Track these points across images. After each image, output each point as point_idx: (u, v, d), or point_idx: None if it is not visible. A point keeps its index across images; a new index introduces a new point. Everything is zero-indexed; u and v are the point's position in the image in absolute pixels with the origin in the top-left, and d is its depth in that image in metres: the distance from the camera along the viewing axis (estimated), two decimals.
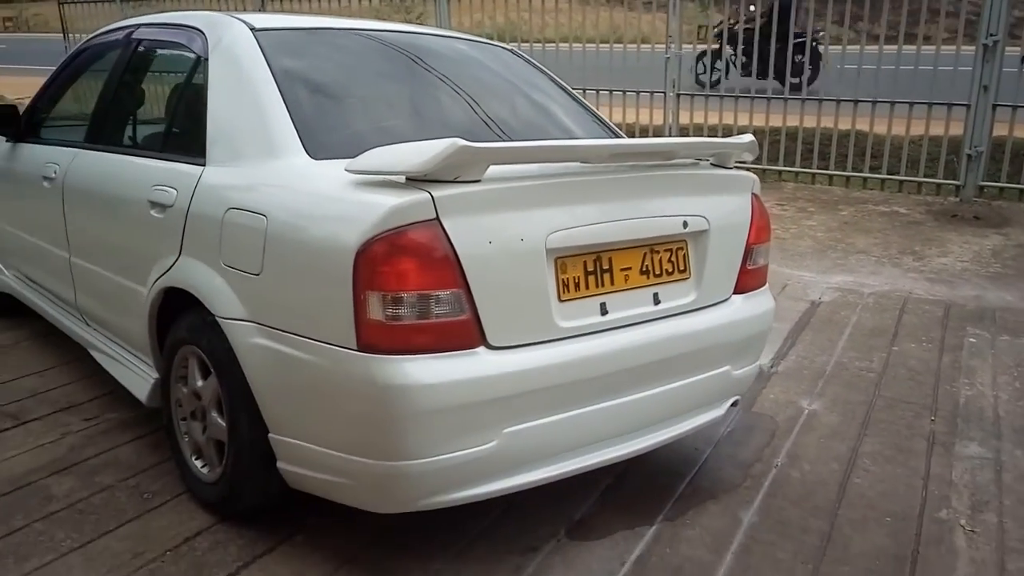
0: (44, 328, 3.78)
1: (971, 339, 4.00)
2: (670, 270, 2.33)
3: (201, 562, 2.20)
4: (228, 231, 2.17)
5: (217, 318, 2.18)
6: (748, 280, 2.58)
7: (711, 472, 2.77)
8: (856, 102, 6.93)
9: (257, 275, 2.08)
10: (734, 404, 2.65)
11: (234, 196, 2.19)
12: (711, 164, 2.53)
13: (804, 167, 7.29)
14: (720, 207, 2.44)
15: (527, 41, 8.19)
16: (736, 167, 2.59)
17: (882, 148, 6.93)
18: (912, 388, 3.44)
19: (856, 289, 4.76)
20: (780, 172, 7.42)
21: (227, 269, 2.17)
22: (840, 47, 7.14)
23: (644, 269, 2.26)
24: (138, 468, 2.68)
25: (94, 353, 3.07)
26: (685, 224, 2.33)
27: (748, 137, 2.55)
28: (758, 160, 7.40)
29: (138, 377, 2.75)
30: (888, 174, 6.97)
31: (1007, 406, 3.29)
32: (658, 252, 2.29)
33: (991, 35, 6.27)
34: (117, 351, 2.92)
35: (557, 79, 3.20)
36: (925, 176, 6.84)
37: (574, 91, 3.19)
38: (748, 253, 2.56)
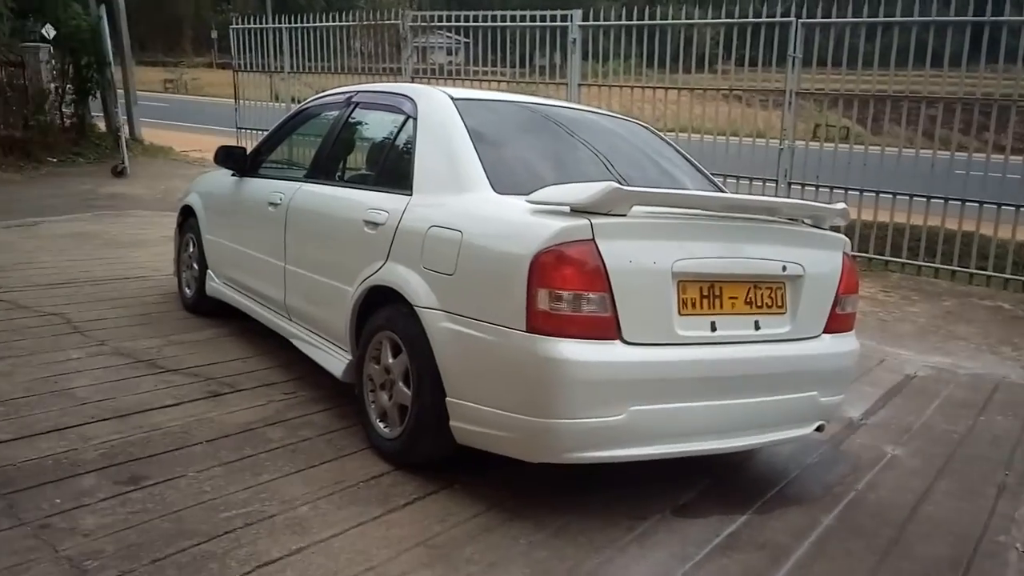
0: (242, 326, 4.62)
1: None
2: (769, 304, 2.90)
3: (387, 492, 2.86)
4: (429, 243, 2.89)
5: (415, 307, 2.88)
6: (837, 323, 3.12)
7: (798, 485, 3.25)
8: (963, 202, 7.29)
9: (451, 275, 2.78)
10: (819, 428, 3.15)
11: (436, 217, 2.92)
12: (810, 224, 3.11)
13: (911, 259, 7.65)
14: (814, 258, 3.01)
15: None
16: (831, 230, 3.16)
17: (989, 247, 7.25)
18: (991, 448, 3.81)
19: (951, 369, 5.10)
20: (887, 262, 7.79)
21: (426, 271, 2.88)
22: (965, 154, 7.52)
23: (748, 300, 2.85)
24: (330, 429, 3.38)
25: (295, 342, 3.83)
26: (784, 268, 2.91)
27: (841, 205, 3.14)
28: (865, 249, 7.82)
29: (334, 359, 3.47)
30: (995, 272, 7.25)
31: None
32: (760, 288, 2.88)
33: None
34: (316, 339, 3.66)
35: (678, 147, 3.90)
36: None
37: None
38: (838, 300, 3.11)
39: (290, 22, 11.99)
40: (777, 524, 2.88)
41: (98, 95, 13.52)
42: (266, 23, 12.69)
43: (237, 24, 12.83)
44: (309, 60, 11.96)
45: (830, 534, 2.84)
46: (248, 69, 12.78)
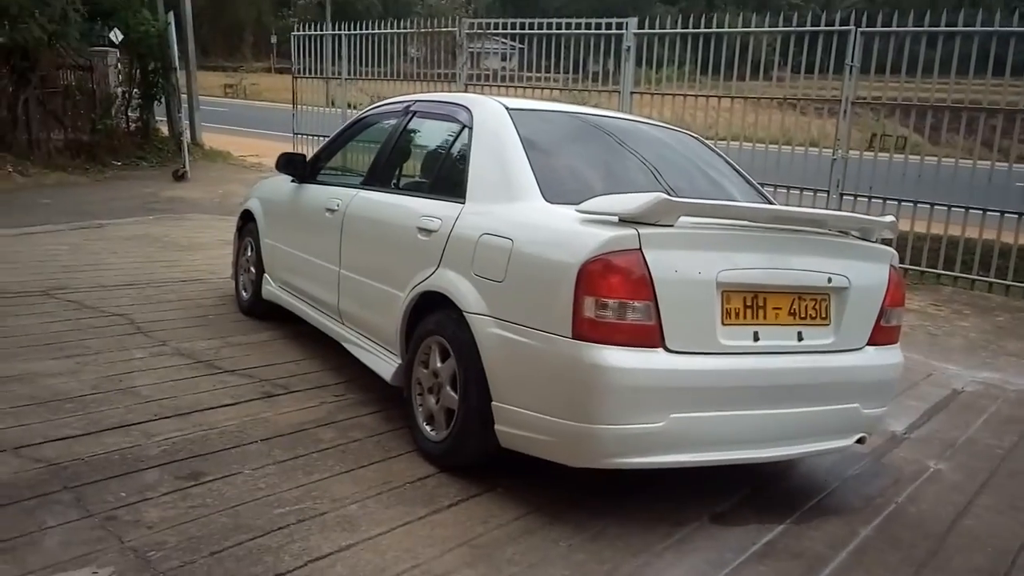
0: (296, 330, 4.78)
1: None
2: (813, 315, 2.94)
3: (432, 494, 2.96)
4: (481, 250, 2.98)
5: (464, 313, 2.98)
6: (882, 335, 3.14)
7: (837, 497, 3.27)
8: (1020, 215, 7.17)
9: (500, 282, 2.87)
10: (860, 440, 3.17)
11: (488, 225, 3.01)
12: (857, 236, 3.13)
13: (964, 273, 7.54)
14: (860, 271, 3.03)
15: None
16: (879, 243, 3.18)
17: None
18: None
19: (1000, 385, 5.04)
20: (938, 276, 7.69)
21: (476, 277, 2.98)
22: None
23: (792, 311, 2.89)
24: (378, 431, 3.50)
25: (347, 345, 3.96)
26: (829, 280, 2.94)
27: (889, 218, 3.15)
28: (917, 262, 7.72)
29: (384, 363, 3.59)
30: None
31: None
32: (804, 299, 2.91)
33: None
34: (367, 343, 3.79)
35: (727, 158, 3.93)
36: None
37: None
38: (883, 313, 3.12)
39: (349, 28, 12.24)
40: (815, 534, 2.92)
41: (162, 100, 13.96)
42: (325, 30, 12.97)
43: (298, 31, 13.11)
44: (365, 66, 12.20)
45: (868, 545, 2.86)
46: (307, 75, 13.06)
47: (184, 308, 5.27)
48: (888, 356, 3.17)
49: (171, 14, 13.25)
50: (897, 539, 2.94)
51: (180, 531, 2.56)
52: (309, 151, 12.28)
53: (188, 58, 14.58)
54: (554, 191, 3.01)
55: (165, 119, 14.48)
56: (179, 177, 12.19)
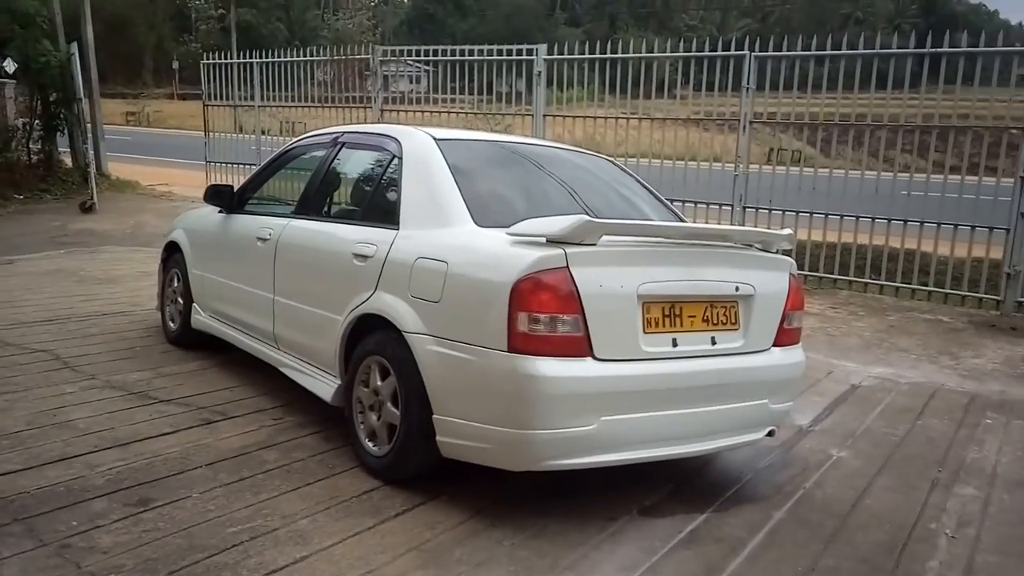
0: (227, 358, 4.85)
1: (988, 420, 4.69)
2: (724, 321, 3.22)
3: (378, 505, 3.11)
4: (416, 273, 3.17)
5: (403, 333, 3.15)
6: (785, 337, 3.46)
7: (752, 487, 3.56)
8: (905, 222, 7.76)
9: (437, 302, 3.06)
10: (770, 433, 3.48)
11: (422, 249, 3.20)
12: (759, 248, 3.45)
13: (857, 277, 8.09)
14: (764, 279, 3.34)
15: (609, 156, 9.26)
16: (779, 253, 3.50)
17: (929, 264, 7.71)
18: (927, 449, 4.16)
19: (893, 379, 5.48)
20: (835, 280, 8.22)
21: (413, 299, 3.15)
22: (907, 175, 7.99)
23: (705, 318, 3.17)
24: (320, 450, 3.62)
25: (284, 369, 4.06)
26: (736, 288, 3.24)
27: (787, 231, 3.49)
28: (815, 268, 8.25)
29: (323, 384, 3.72)
30: (935, 287, 7.71)
31: (1005, 466, 3.97)
32: (716, 307, 3.20)
33: None
34: (305, 366, 3.91)
35: (640, 179, 4.23)
36: (968, 290, 7.56)
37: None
38: (785, 316, 3.44)
39: (261, 56, 12.23)
40: (733, 520, 3.19)
41: (65, 131, 13.62)
42: (231, 56, 12.93)
43: (207, 59, 13.02)
44: (275, 91, 12.20)
45: (780, 527, 3.15)
46: (218, 101, 12.97)
47: (109, 341, 5.26)
48: (792, 356, 3.49)
49: (74, 44, 12.97)
50: (806, 520, 3.23)
51: (136, 554, 2.65)
52: (222, 179, 12.26)
53: (92, 87, 14.27)
54: (483, 215, 3.22)
55: (68, 150, 14.14)
56: (87, 209, 11.92)
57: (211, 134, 13.08)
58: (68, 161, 14.12)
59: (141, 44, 58.22)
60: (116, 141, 18.90)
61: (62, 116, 13.32)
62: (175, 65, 55.50)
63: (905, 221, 7.78)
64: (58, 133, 13.63)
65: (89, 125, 13.44)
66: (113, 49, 44.20)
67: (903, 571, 2.88)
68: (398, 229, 3.39)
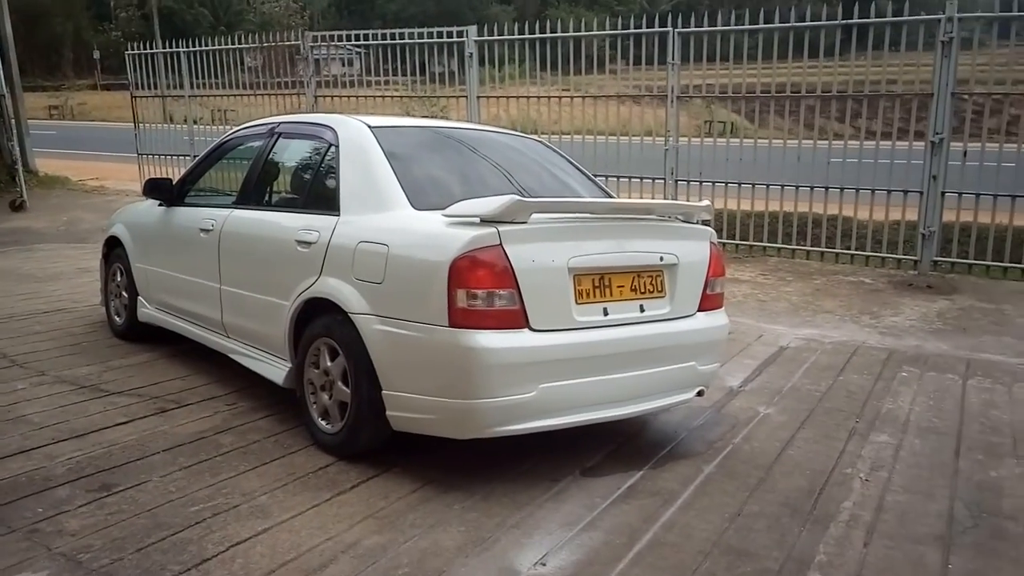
0: (174, 349, 4.93)
1: (903, 373, 5.03)
2: (651, 290, 3.45)
3: (333, 479, 3.28)
4: (359, 256, 3.32)
5: (349, 314, 3.30)
6: (708, 302, 3.70)
7: (685, 445, 3.82)
8: (827, 188, 8.13)
9: (380, 283, 3.21)
10: (699, 393, 3.73)
11: (363, 234, 3.35)
12: (681, 220, 3.68)
13: (785, 244, 8.45)
14: (686, 249, 3.57)
15: (544, 133, 9.47)
16: (700, 224, 3.73)
17: (851, 228, 8.10)
18: (847, 402, 4.47)
19: (818, 339, 5.80)
20: (765, 248, 8.58)
21: (357, 281, 3.31)
22: (827, 142, 8.33)
23: (633, 287, 3.39)
24: (275, 432, 3.76)
25: (235, 356, 4.18)
26: (661, 259, 3.46)
27: (706, 202, 3.73)
28: (745, 237, 8.59)
29: (274, 368, 3.85)
30: (856, 250, 8.12)
31: (918, 415, 4.30)
32: (642, 276, 3.42)
33: (937, 133, 7.49)
34: (255, 352, 4.03)
35: (570, 159, 4.43)
36: (888, 252, 7.98)
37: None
38: (707, 283, 3.68)
39: (188, 44, 12.07)
40: (668, 475, 3.43)
41: None
42: (155, 44, 12.73)
43: (132, 49, 12.79)
44: (204, 79, 12.07)
45: (711, 479, 3.41)
46: (145, 92, 12.76)
47: (55, 338, 5.28)
48: (716, 319, 3.74)
49: None
50: (734, 472, 3.49)
51: (103, 535, 2.77)
52: (155, 171, 12.11)
53: (13, 82, 13.89)
54: (420, 199, 3.38)
55: None
56: (17, 207, 11.68)
57: (141, 125, 12.88)
58: None
59: (59, 34, 56.38)
60: (41, 136, 18.38)
61: None
62: (96, 55, 53.90)
63: (827, 188, 8.15)
64: None
65: (13, 121, 13.11)
66: (30, 40, 42.71)
67: (820, 512, 3.15)
68: (339, 215, 3.53)
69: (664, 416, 4.11)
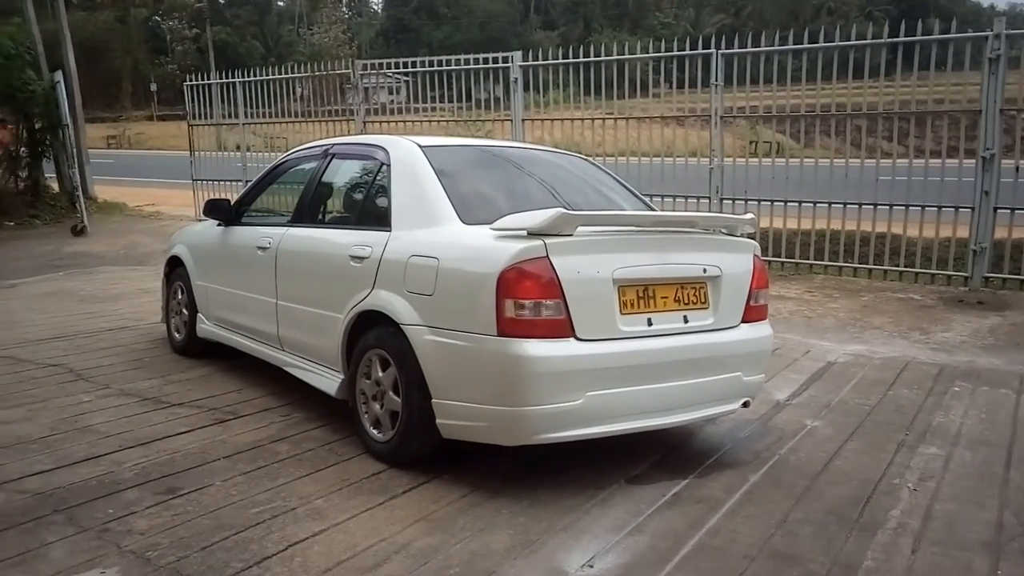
0: (231, 364, 5.11)
1: (956, 388, 4.98)
2: (695, 301, 3.51)
3: (386, 485, 3.38)
4: (410, 270, 3.44)
5: (401, 326, 3.42)
6: (752, 313, 3.75)
7: (731, 455, 3.85)
8: (875, 206, 8.08)
9: (431, 295, 3.33)
10: (745, 404, 3.76)
11: (414, 248, 3.48)
12: (724, 232, 3.74)
13: (832, 261, 8.41)
14: (729, 261, 3.63)
15: (588, 155, 9.53)
16: (743, 236, 3.79)
17: (900, 245, 8.04)
18: (896, 416, 4.45)
19: (867, 355, 5.77)
20: (811, 266, 8.54)
21: (409, 294, 3.43)
22: (874, 161, 8.30)
23: (677, 299, 3.45)
24: (328, 440, 3.89)
25: (289, 369, 4.33)
26: (704, 270, 3.52)
27: (749, 215, 3.79)
28: (791, 255, 8.57)
29: (327, 379, 3.98)
30: (905, 267, 8.05)
31: (969, 428, 4.26)
32: (686, 288, 3.48)
33: (988, 149, 7.43)
34: (309, 364, 4.17)
35: (612, 174, 4.54)
36: (937, 269, 7.90)
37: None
38: (751, 295, 3.73)
39: (242, 75, 12.47)
40: (713, 484, 3.47)
41: (50, 156, 13.83)
42: (211, 76, 13.17)
43: (190, 80, 13.25)
44: (255, 108, 12.45)
45: (756, 488, 3.44)
46: (202, 121, 13.19)
47: (118, 354, 5.50)
48: (760, 331, 3.78)
49: (59, 72, 13.20)
50: (780, 481, 3.52)
51: (170, 534, 2.91)
52: (209, 196, 12.47)
53: (76, 113, 14.49)
54: (469, 214, 3.50)
55: (54, 175, 14.34)
56: (78, 232, 12.13)
57: (196, 153, 13.29)
58: (55, 187, 14.32)
59: (118, 68, 58.42)
60: (99, 164, 19.08)
61: (47, 142, 13.53)
62: (153, 87, 55.68)
63: (875, 205, 8.10)
64: (44, 159, 13.83)
65: (75, 150, 13.67)
66: (90, 74, 44.25)
67: (867, 519, 3.16)
68: (390, 231, 3.66)
69: (709, 427, 4.15)
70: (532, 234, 3.14)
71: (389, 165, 3.89)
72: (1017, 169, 7.46)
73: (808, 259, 8.55)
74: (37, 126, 13.40)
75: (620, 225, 3.46)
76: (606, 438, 3.34)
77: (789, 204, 8.56)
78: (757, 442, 4.01)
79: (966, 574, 2.76)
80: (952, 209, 7.74)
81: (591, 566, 2.75)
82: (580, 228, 3.19)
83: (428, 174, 3.70)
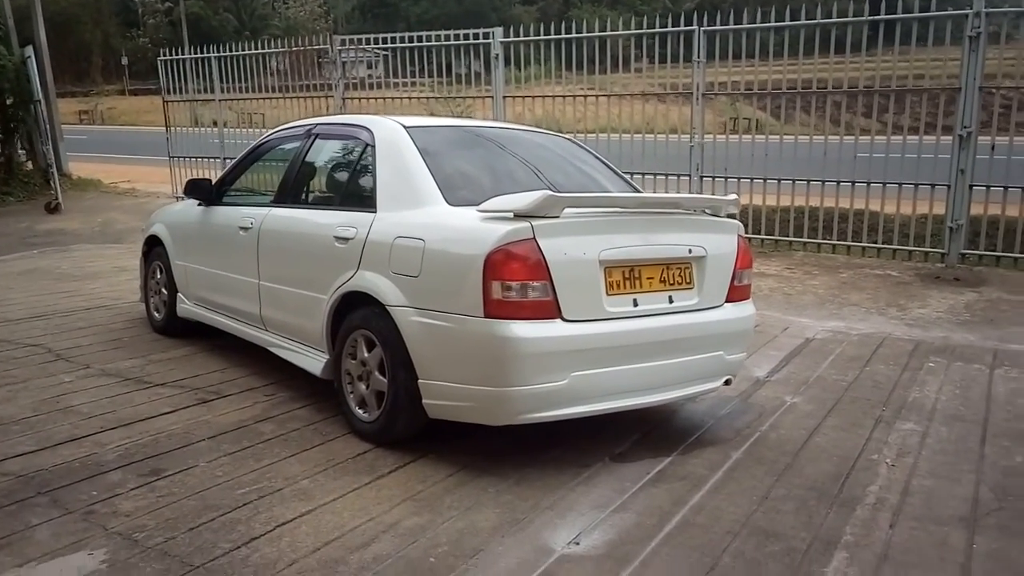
0: (212, 343, 5.09)
1: (931, 364, 5.07)
2: (680, 281, 3.53)
3: (372, 464, 3.39)
4: (396, 251, 3.43)
5: (386, 307, 3.42)
6: (736, 293, 3.78)
7: (713, 432, 3.90)
8: (853, 183, 8.15)
9: (416, 277, 3.33)
10: (727, 382, 3.81)
11: (400, 229, 3.47)
12: (709, 213, 3.76)
13: (811, 238, 8.48)
14: (714, 241, 3.66)
15: (569, 132, 9.53)
16: (727, 217, 3.81)
17: (878, 222, 8.11)
18: (873, 391, 4.52)
19: (845, 331, 5.85)
20: (790, 243, 8.61)
21: (394, 275, 3.42)
22: (853, 137, 8.35)
23: (662, 279, 3.47)
24: (313, 420, 3.89)
25: (273, 349, 4.31)
26: (689, 251, 3.54)
27: (733, 196, 3.80)
28: (771, 232, 8.63)
29: (312, 359, 3.98)
30: (883, 244, 8.13)
31: (944, 403, 4.34)
32: (671, 268, 3.50)
33: (965, 127, 7.49)
34: (293, 345, 4.16)
35: (598, 155, 4.54)
36: (915, 245, 7.99)
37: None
38: (735, 275, 3.76)
39: (217, 50, 12.29)
40: (696, 461, 3.52)
41: (23, 133, 13.58)
42: (184, 50, 12.97)
43: (164, 55, 13.04)
44: (232, 83, 12.28)
45: (738, 464, 3.49)
46: (176, 96, 13.00)
47: (97, 333, 5.46)
48: (743, 310, 3.82)
49: (30, 47, 12.93)
50: (761, 457, 3.57)
51: (156, 515, 2.91)
52: (186, 174, 12.34)
53: (48, 88, 14.21)
54: (454, 195, 3.49)
55: (25, 151, 14.09)
56: (52, 209, 11.98)
57: (172, 129, 13.11)
58: (28, 164, 14.08)
59: (88, 41, 57.27)
60: (73, 140, 18.78)
61: (20, 118, 13.29)
62: (124, 61, 54.75)
63: (853, 183, 8.16)
64: (16, 136, 13.59)
65: (47, 126, 13.44)
66: (60, 47, 43.36)
67: (846, 495, 3.22)
68: (375, 212, 3.65)
69: (691, 405, 4.19)
70: (519, 216, 3.14)
71: (373, 146, 3.87)
72: (993, 147, 7.54)
73: (788, 236, 8.62)
74: (8, 102, 13.14)
75: (606, 207, 3.47)
76: (590, 417, 3.37)
77: (768, 181, 8.60)
78: (738, 419, 4.06)
79: (943, 548, 2.82)
80: (929, 187, 7.81)
81: (577, 543, 2.79)
82: (567, 210, 3.20)
83: (413, 155, 3.68)
